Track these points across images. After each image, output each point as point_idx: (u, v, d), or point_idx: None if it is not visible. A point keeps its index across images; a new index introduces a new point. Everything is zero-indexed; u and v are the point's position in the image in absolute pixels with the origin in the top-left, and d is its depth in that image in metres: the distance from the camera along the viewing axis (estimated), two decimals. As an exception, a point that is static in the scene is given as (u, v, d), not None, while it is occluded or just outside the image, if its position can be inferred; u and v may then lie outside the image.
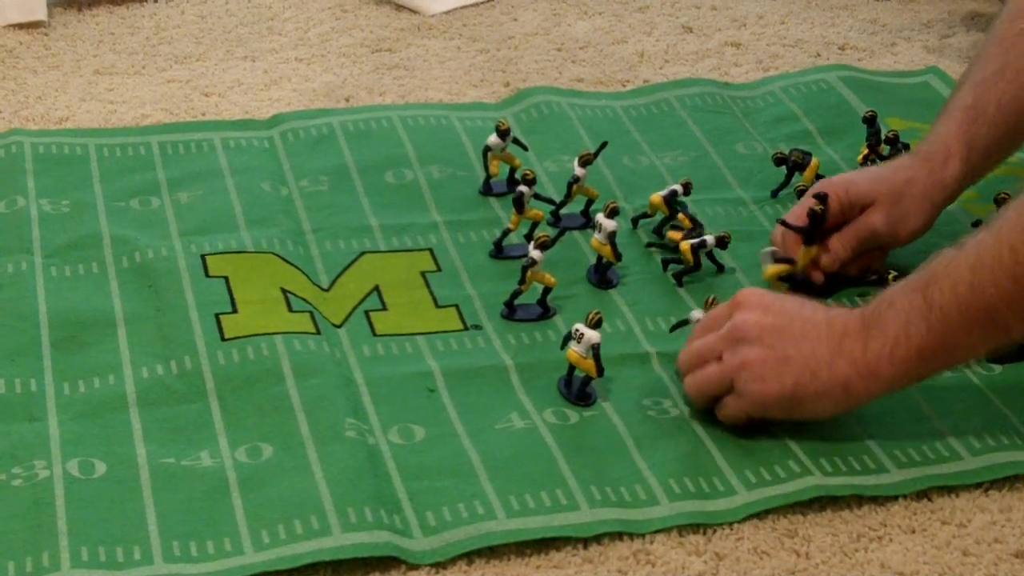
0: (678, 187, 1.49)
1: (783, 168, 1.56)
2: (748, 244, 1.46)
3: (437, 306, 1.39)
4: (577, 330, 1.25)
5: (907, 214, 1.39)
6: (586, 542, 1.14)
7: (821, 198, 1.36)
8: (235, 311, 1.35)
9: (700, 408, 1.26)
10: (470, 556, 1.12)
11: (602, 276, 1.43)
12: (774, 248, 1.42)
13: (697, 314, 1.32)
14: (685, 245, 1.42)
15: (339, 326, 1.35)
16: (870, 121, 1.59)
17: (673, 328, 1.34)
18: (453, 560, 1.12)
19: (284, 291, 1.38)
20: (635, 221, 1.50)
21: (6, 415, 1.22)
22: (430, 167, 1.59)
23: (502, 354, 1.32)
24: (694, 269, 1.41)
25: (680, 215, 1.46)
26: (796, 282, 1.39)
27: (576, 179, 1.49)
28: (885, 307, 1.19)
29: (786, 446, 1.23)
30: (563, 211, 1.51)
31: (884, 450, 1.22)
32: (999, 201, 1.46)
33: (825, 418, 1.23)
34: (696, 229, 1.43)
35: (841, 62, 1.85)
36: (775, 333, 1.20)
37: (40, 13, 1.87)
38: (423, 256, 1.45)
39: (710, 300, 1.31)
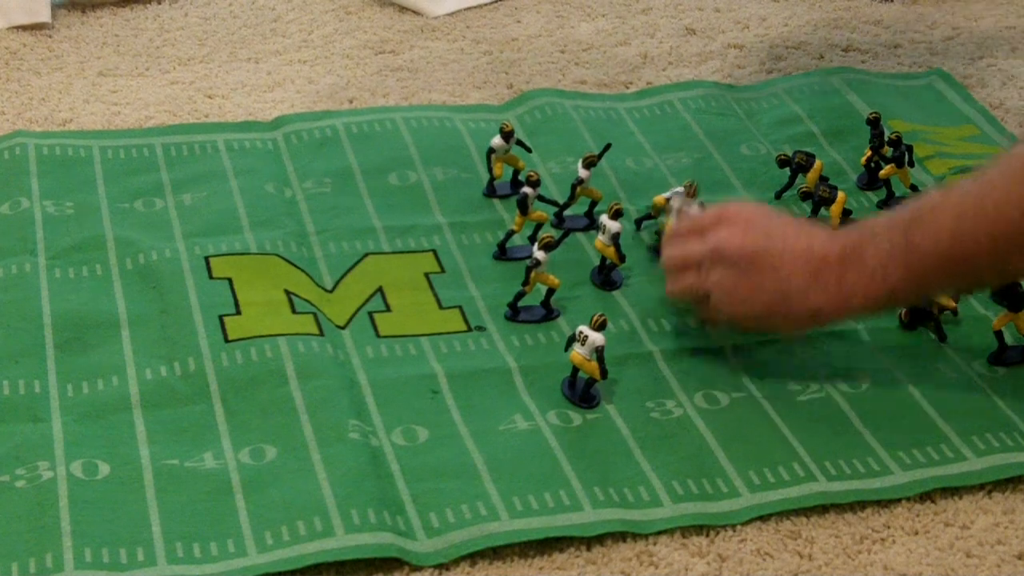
0: (681, 189, 1.48)
1: (787, 170, 1.56)
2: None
3: (441, 308, 1.39)
4: (581, 332, 1.25)
5: None
6: (589, 543, 1.14)
7: None
8: (239, 313, 1.35)
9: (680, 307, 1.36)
10: (473, 557, 1.12)
11: (606, 277, 1.43)
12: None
13: (677, 202, 1.40)
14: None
15: (343, 327, 1.35)
16: (874, 123, 1.59)
17: (644, 218, 1.47)
18: (456, 561, 1.12)
19: (288, 293, 1.38)
20: (639, 223, 1.50)
21: (10, 416, 1.22)
22: (434, 169, 1.59)
23: (506, 356, 1.32)
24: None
25: None
26: None
27: (580, 181, 1.49)
28: (867, 240, 1.22)
29: (790, 447, 1.23)
30: (567, 213, 1.51)
31: (888, 452, 1.22)
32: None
33: (796, 335, 1.32)
34: None
35: (844, 64, 1.85)
36: (752, 258, 1.25)
37: (44, 15, 1.87)
38: (427, 257, 1.45)
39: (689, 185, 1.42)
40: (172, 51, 1.84)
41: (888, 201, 1.56)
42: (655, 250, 1.40)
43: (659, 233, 1.49)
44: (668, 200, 1.47)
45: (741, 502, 1.18)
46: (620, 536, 1.15)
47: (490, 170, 1.55)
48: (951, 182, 1.20)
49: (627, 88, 1.79)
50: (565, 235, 1.42)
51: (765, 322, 1.28)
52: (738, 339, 1.35)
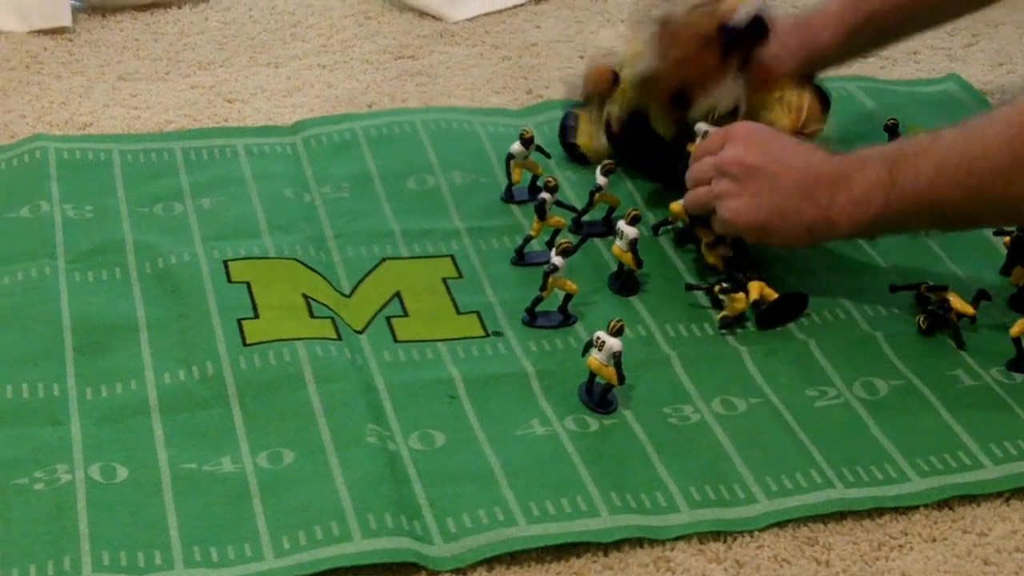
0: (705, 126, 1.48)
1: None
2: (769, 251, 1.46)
3: (458, 313, 1.39)
4: (599, 338, 1.25)
5: (783, 55, 1.51)
6: (606, 548, 1.14)
7: None
8: (257, 317, 1.35)
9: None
10: (490, 562, 1.12)
11: (623, 283, 1.43)
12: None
13: (703, 126, 1.46)
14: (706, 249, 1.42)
15: (360, 332, 1.35)
16: (891, 129, 1.59)
17: (661, 224, 1.49)
18: (473, 566, 1.12)
19: (306, 297, 1.38)
20: (656, 229, 1.50)
21: (29, 419, 1.23)
22: (452, 173, 1.59)
23: (523, 361, 1.33)
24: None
25: None
26: None
27: (598, 187, 1.49)
28: (856, 168, 1.32)
29: (808, 453, 1.23)
30: (585, 218, 1.51)
31: (906, 459, 1.22)
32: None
33: (791, 249, 1.40)
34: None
35: (863, 70, 1.85)
36: (753, 171, 1.35)
37: (65, 19, 1.87)
38: (445, 262, 1.45)
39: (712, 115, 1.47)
40: (192, 55, 1.85)
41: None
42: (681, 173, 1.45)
43: (678, 241, 1.49)
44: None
45: (758, 508, 1.18)
46: (637, 542, 1.15)
47: (509, 175, 1.55)
48: (941, 129, 1.32)
49: (646, 93, 1.79)
50: (583, 241, 1.42)
51: (764, 232, 1.36)
52: (755, 343, 1.35)
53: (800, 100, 1.49)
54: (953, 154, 1.28)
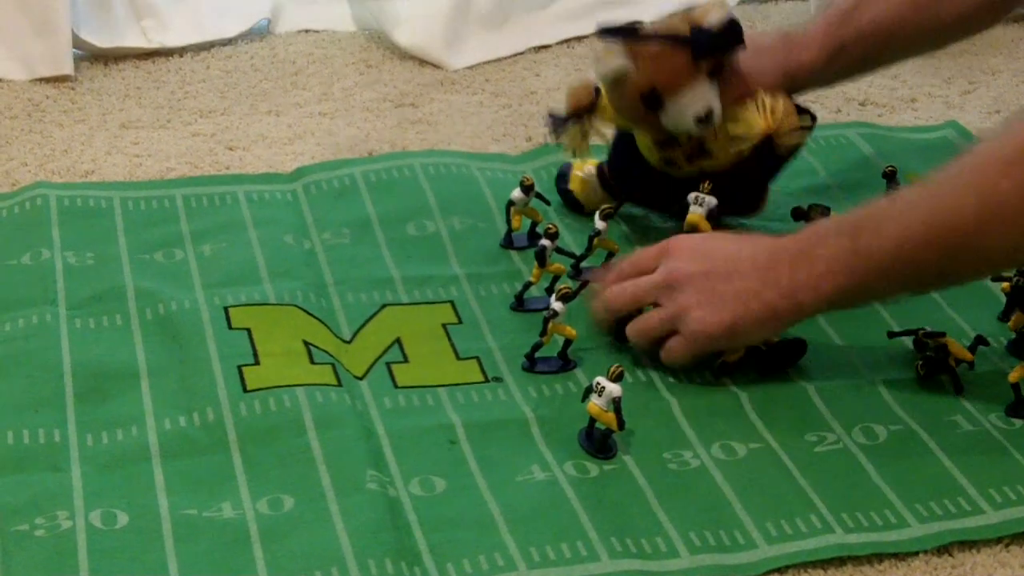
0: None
1: (802, 223, 1.56)
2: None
3: (458, 358, 1.39)
4: (598, 383, 1.26)
5: (763, 69, 1.49)
6: (606, 595, 1.14)
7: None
8: (257, 363, 1.35)
9: (642, 349, 1.37)
10: (490, 608, 1.13)
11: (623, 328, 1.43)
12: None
13: (694, 195, 1.46)
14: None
15: (361, 378, 1.35)
16: (890, 176, 1.60)
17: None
18: (473, 612, 1.12)
19: (306, 343, 1.38)
20: None
21: (29, 465, 1.23)
22: (451, 218, 1.60)
23: (523, 406, 1.33)
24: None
25: None
26: None
27: (597, 232, 1.49)
28: (814, 243, 1.30)
29: (808, 499, 1.23)
30: (584, 264, 1.51)
31: (906, 504, 1.22)
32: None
33: (762, 341, 1.35)
34: None
35: (861, 117, 1.86)
36: (705, 277, 1.32)
37: (67, 67, 1.88)
38: (444, 308, 1.46)
39: None
40: (193, 103, 1.86)
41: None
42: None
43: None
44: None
45: (758, 554, 1.18)
46: (637, 587, 1.15)
47: (508, 222, 1.56)
48: (898, 191, 1.31)
49: (645, 141, 1.80)
50: (582, 286, 1.43)
51: (734, 331, 1.32)
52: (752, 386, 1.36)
53: (774, 102, 1.48)
54: (920, 213, 1.25)
